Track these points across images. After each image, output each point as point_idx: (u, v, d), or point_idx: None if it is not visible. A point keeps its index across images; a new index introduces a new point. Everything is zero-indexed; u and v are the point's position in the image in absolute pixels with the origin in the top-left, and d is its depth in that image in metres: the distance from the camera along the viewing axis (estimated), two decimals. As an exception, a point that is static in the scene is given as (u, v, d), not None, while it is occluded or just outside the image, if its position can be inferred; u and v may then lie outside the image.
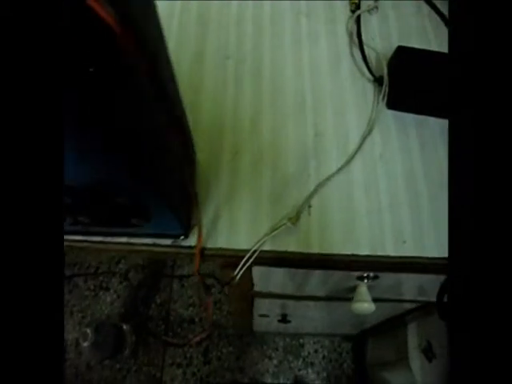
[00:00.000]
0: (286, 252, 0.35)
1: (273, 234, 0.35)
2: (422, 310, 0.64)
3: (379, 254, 0.36)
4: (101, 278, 1.02)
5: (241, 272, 0.35)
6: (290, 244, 0.36)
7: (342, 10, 0.49)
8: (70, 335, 0.94)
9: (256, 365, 0.95)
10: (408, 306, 0.64)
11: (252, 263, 0.36)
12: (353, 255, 0.36)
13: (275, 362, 0.96)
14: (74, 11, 0.17)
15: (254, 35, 0.47)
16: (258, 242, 0.35)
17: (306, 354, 0.97)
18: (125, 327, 0.89)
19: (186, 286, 1.02)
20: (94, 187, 0.26)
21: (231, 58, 0.45)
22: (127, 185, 0.26)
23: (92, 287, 1.02)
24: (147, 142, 0.22)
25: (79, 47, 0.16)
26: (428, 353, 0.67)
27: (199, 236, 0.32)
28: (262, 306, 0.61)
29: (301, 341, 0.97)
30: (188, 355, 0.94)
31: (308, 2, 0.49)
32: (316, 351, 0.97)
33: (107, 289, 1.01)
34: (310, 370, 0.95)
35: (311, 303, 0.57)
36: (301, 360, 0.96)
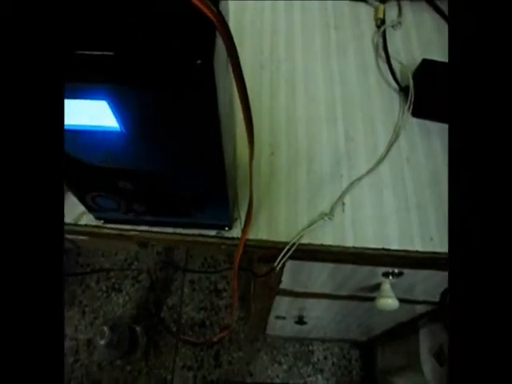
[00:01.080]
0: (322, 245, 0.38)
1: (310, 227, 0.38)
2: (434, 313, 0.66)
3: (408, 249, 0.38)
4: (113, 279, 1.03)
5: (282, 262, 0.37)
6: (326, 238, 0.38)
7: (368, 25, 0.52)
8: (82, 335, 0.95)
9: (266, 370, 0.96)
10: (421, 309, 0.66)
11: (288, 256, 0.38)
12: (383, 249, 0.38)
13: (285, 367, 0.97)
14: (180, 10, 0.20)
15: (286, 46, 0.50)
16: (297, 235, 0.37)
17: (316, 360, 0.98)
18: (137, 329, 0.90)
19: (198, 290, 1.03)
20: (160, 174, 0.29)
21: (266, 65, 0.48)
22: (194, 175, 0.28)
23: (104, 288, 1.03)
24: (225, 130, 0.24)
25: (187, 42, 0.19)
26: (440, 357, 0.69)
27: (246, 226, 0.34)
28: (280, 306, 0.63)
29: (310, 347, 0.99)
30: (199, 358, 0.95)
31: (336, 16, 0.53)
32: (325, 358, 0.98)
33: (119, 290, 1.02)
34: (319, 377, 0.96)
35: (331, 302, 0.59)
36: (310, 366, 0.97)
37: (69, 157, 0.27)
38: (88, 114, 0.23)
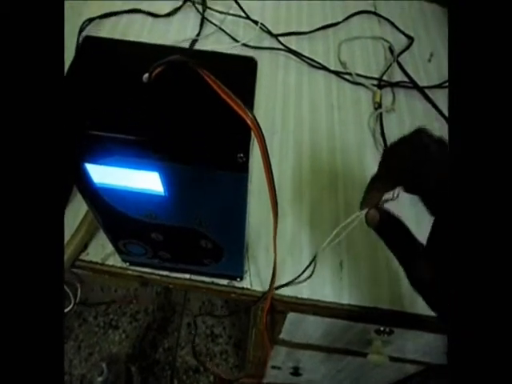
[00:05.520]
0: (320, 301, 0.42)
1: (311, 284, 0.42)
2: (424, 373, 0.68)
3: (398, 309, 0.43)
4: (111, 315, 1.05)
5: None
6: (326, 294, 0.43)
7: (367, 107, 0.60)
8: (76, 370, 0.95)
9: (256, 422, 0.95)
10: (411, 369, 0.68)
11: (289, 309, 0.43)
12: (375, 308, 0.42)
13: (275, 421, 0.95)
14: (223, 112, 0.26)
15: (295, 119, 0.57)
16: (298, 289, 0.42)
17: (306, 415, 0.97)
18: (133, 368, 0.90)
19: (194, 333, 1.04)
20: (190, 230, 0.34)
21: (277, 133, 0.55)
22: (219, 232, 0.34)
23: (101, 324, 1.04)
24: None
25: (230, 136, 0.25)
26: (429, 420, 0.70)
27: (272, 283, 0.39)
28: (278, 356, 0.65)
29: (302, 401, 0.98)
30: (191, 404, 0.94)
31: (339, 98, 0.61)
32: (315, 414, 0.97)
33: (116, 327, 1.03)
34: (308, 434, 0.94)
35: (326, 356, 0.61)
36: (300, 422, 0.96)
37: (114, 209, 0.33)
38: (141, 180, 0.29)
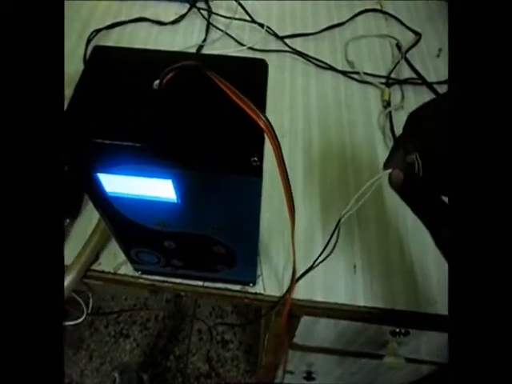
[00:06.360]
0: (335, 303, 0.42)
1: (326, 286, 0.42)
2: (438, 375, 0.67)
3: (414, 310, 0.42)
4: (122, 324, 1.05)
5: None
6: (340, 297, 0.42)
7: (376, 105, 0.59)
8: (88, 380, 0.95)
9: (269, 428, 0.94)
10: (426, 370, 0.67)
11: (304, 313, 0.42)
12: (391, 309, 0.42)
13: (289, 426, 0.94)
14: (236, 116, 0.26)
15: (304, 120, 0.57)
16: (312, 292, 0.41)
17: (320, 420, 0.96)
18: (144, 377, 0.90)
19: (205, 340, 1.04)
20: (203, 237, 0.34)
21: (286, 135, 0.55)
22: (232, 238, 0.33)
23: (112, 333, 1.03)
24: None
25: (246, 146, 0.25)
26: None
27: (291, 288, 0.39)
28: (290, 360, 0.64)
29: (315, 406, 0.97)
30: (203, 411, 0.93)
31: (347, 98, 0.60)
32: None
33: (127, 336, 1.03)
34: None
35: (340, 359, 0.60)
36: (314, 426, 0.95)
37: (126, 218, 0.33)
38: (153, 188, 0.29)
